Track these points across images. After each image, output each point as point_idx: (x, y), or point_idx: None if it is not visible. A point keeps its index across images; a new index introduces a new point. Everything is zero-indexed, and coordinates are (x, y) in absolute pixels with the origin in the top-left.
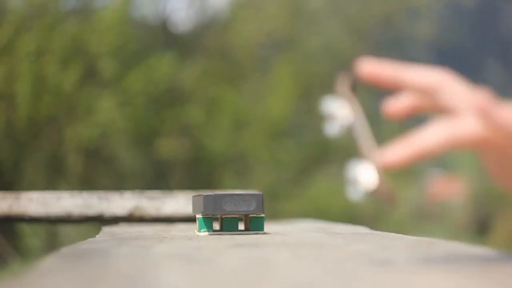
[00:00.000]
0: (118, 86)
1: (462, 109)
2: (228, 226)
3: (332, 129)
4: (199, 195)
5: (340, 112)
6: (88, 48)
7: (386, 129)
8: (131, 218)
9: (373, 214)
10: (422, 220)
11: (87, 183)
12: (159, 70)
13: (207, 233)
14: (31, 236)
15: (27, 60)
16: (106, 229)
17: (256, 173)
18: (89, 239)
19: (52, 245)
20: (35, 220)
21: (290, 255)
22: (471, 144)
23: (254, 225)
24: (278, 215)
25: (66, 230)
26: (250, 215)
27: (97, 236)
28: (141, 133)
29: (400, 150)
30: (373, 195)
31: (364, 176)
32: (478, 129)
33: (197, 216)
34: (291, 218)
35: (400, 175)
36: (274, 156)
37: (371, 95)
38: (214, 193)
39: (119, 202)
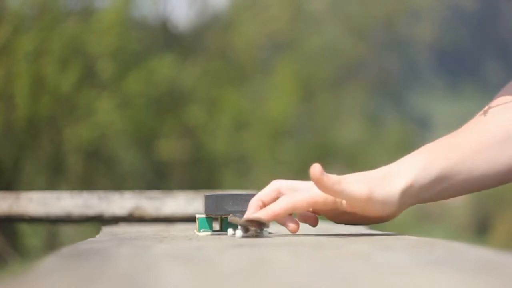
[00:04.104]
0: (117, 87)
1: (299, 189)
2: (228, 226)
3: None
4: (211, 195)
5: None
6: (87, 49)
7: (386, 130)
8: (131, 218)
9: None
10: (422, 220)
11: (87, 183)
12: (160, 72)
13: (207, 233)
14: (31, 236)
15: (25, 61)
16: (106, 229)
17: (256, 173)
18: (89, 239)
19: (52, 245)
20: (35, 220)
21: (290, 255)
22: (302, 206)
23: None
24: None
25: (66, 230)
26: None
27: (97, 236)
28: (141, 134)
29: (258, 214)
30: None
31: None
32: (306, 197)
33: (197, 216)
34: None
35: None
36: (274, 156)
37: (372, 96)
38: (215, 193)
39: (119, 202)
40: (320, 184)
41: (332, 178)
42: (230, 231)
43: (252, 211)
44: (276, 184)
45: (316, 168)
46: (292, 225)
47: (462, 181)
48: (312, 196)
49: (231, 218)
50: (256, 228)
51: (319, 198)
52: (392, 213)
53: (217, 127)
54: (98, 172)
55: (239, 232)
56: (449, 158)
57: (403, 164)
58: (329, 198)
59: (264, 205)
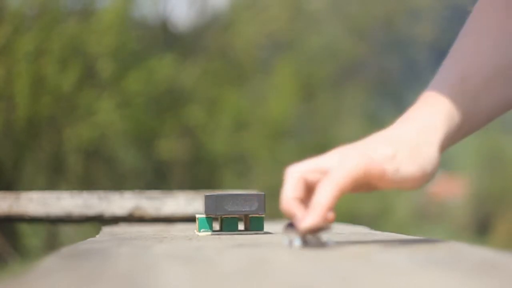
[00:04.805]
0: (117, 87)
1: (328, 168)
2: (228, 226)
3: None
4: (211, 195)
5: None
6: (87, 49)
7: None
8: (131, 218)
9: (373, 214)
10: (422, 220)
11: (87, 183)
12: (159, 71)
13: (207, 233)
14: (31, 236)
15: (26, 60)
16: (106, 229)
17: (256, 173)
18: (89, 239)
19: (52, 245)
20: (35, 220)
21: (290, 255)
22: (348, 188)
23: (254, 225)
24: (278, 215)
25: (66, 230)
26: (250, 215)
27: (97, 236)
28: (141, 134)
29: (311, 218)
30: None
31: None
32: (347, 176)
33: (197, 216)
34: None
35: None
36: (274, 156)
37: (372, 96)
38: (215, 193)
39: (119, 202)
40: (382, 183)
41: (391, 169)
42: (285, 239)
43: (300, 214)
44: (298, 172)
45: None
46: (330, 213)
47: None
48: (351, 172)
49: (287, 230)
50: (316, 235)
51: (358, 173)
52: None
53: (217, 127)
54: (98, 172)
55: (297, 242)
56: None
57: (429, 119)
58: (369, 170)
59: (303, 201)
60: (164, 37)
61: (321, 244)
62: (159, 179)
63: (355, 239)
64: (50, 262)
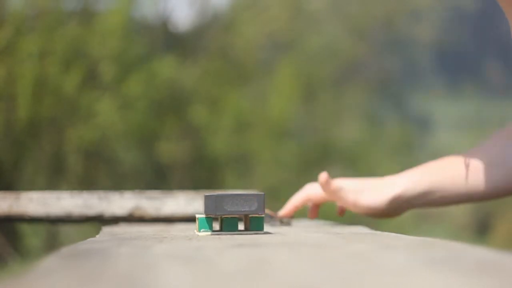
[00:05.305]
0: (119, 89)
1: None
2: (228, 226)
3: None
4: (211, 195)
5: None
6: (90, 51)
7: (386, 130)
8: (131, 218)
9: None
10: (422, 220)
11: (87, 183)
12: (160, 72)
13: (207, 233)
14: (31, 236)
15: (28, 62)
16: (106, 229)
17: (257, 173)
18: (89, 239)
19: (52, 245)
20: (35, 220)
21: (290, 255)
22: (317, 198)
23: (254, 225)
24: None
25: (66, 230)
26: (250, 215)
27: (97, 236)
28: (142, 135)
29: (286, 209)
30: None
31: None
32: (319, 191)
33: (197, 216)
34: (292, 218)
35: None
36: (275, 156)
37: (372, 96)
38: (215, 194)
39: (119, 202)
40: (324, 188)
41: (333, 186)
42: (274, 222)
43: (283, 211)
44: (307, 192)
45: (323, 176)
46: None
47: (440, 197)
48: (304, 194)
49: (272, 218)
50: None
51: (306, 196)
52: (383, 213)
53: (218, 127)
54: (98, 173)
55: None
56: (434, 178)
57: (401, 178)
58: (311, 196)
59: (297, 208)
60: (165, 38)
61: (285, 224)
62: (159, 179)
63: (355, 239)
64: (50, 262)
